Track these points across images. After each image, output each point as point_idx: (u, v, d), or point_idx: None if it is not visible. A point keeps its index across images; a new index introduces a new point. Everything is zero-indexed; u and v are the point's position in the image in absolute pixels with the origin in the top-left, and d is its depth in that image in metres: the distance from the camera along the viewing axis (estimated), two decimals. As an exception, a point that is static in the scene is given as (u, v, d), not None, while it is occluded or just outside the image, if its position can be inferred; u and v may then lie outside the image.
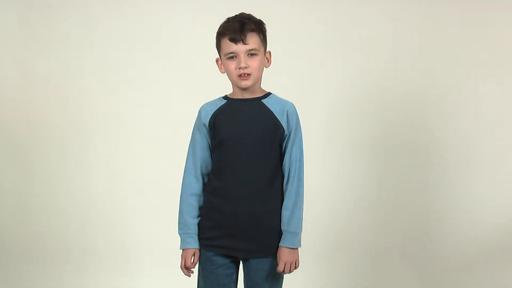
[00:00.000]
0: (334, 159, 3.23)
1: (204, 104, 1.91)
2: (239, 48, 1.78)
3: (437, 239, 3.18)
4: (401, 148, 3.22)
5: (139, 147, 3.22)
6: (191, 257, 1.86)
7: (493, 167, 3.20)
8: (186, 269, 1.87)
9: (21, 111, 3.26)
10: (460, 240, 3.16)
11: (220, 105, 1.87)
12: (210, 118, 1.85)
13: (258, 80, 1.85)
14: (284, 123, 1.82)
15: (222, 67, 1.86)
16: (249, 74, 1.80)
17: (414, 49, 3.21)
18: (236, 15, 1.83)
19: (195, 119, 1.91)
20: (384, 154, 3.23)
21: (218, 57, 1.88)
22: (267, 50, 1.86)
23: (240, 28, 1.77)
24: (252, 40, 1.79)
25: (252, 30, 1.79)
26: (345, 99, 3.21)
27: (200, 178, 1.89)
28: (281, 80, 2.86)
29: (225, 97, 1.90)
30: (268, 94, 1.88)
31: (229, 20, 1.82)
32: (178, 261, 1.90)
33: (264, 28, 1.84)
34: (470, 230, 3.15)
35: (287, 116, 1.83)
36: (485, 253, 3.12)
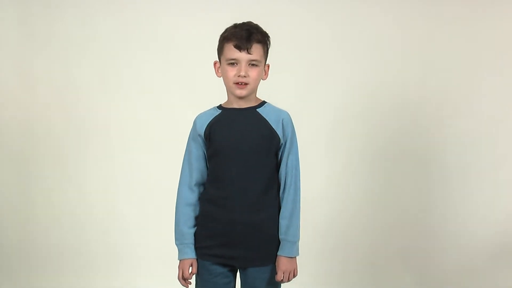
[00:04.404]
0: (335, 164, 3.21)
1: (199, 114, 1.90)
2: (242, 56, 1.78)
3: (437, 242, 3.19)
4: (402, 153, 3.20)
5: (137, 150, 3.20)
6: (189, 268, 1.85)
7: (493, 170, 3.19)
8: (184, 280, 1.86)
9: (19, 111, 3.22)
10: (460, 243, 3.17)
11: (215, 115, 1.86)
12: (206, 128, 1.85)
13: (254, 91, 1.85)
14: (279, 132, 1.82)
15: (219, 71, 1.86)
16: (246, 84, 1.80)
17: (417, 54, 3.16)
18: (244, 23, 1.82)
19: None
20: (385, 159, 3.21)
21: (217, 60, 1.87)
22: (266, 63, 1.87)
23: (247, 36, 1.77)
24: (256, 51, 1.79)
25: (258, 41, 1.80)
26: (347, 104, 3.18)
27: (195, 188, 1.88)
28: (284, 84, 2.86)
29: (220, 107, 1.89)
30: (263, 103, 1.88)
31: (236, 26, 1.81)
32: (174, 268, 1.89)
33: (269, 41, 1.85)
34: (470, 233, 3.16)
35: (283, 125, 1.83)
36: (485, 256, 3.14)
